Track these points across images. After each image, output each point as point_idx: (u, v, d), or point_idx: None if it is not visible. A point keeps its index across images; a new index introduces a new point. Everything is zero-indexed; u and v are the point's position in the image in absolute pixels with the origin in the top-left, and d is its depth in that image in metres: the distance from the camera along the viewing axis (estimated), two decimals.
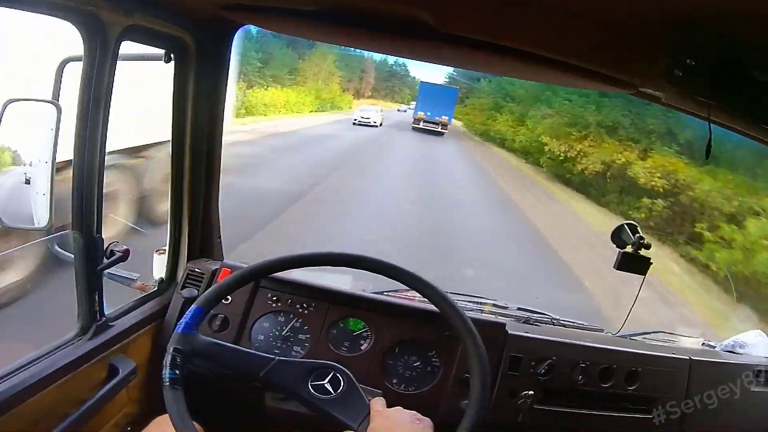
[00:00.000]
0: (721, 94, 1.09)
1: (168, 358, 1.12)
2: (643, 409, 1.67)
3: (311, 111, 24.69)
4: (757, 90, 1.09)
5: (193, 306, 1.22)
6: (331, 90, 28.66)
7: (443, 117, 20.67)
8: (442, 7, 1.07)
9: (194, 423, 1.09)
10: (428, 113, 20.54)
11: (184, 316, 1.20)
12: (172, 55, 1.42)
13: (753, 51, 1.06)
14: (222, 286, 1.28)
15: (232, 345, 1.37)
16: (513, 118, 20.18)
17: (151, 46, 1.39)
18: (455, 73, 24.92)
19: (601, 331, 1.92)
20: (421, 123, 20.36)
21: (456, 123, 26.47)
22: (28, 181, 1.28)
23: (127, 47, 1.23)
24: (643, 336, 1.94)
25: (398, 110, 24.30)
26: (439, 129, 20.50)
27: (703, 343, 2.02)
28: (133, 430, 1.46)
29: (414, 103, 23.92)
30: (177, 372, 1.11)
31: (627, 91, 1.28)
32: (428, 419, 1.16)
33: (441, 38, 1.14)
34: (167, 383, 1.09)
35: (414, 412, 1.17)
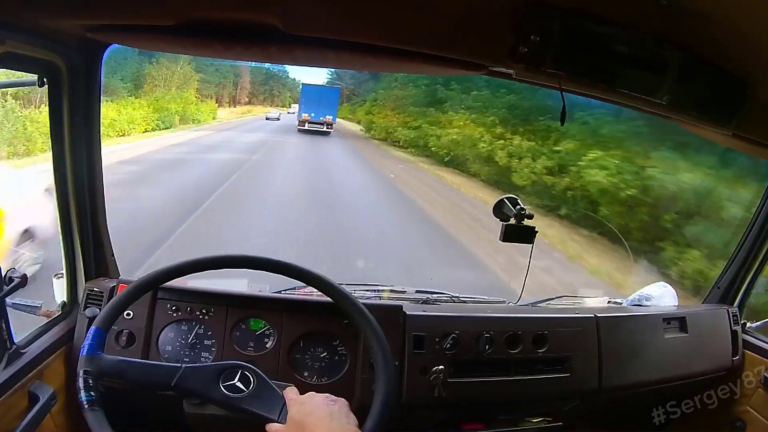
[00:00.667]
0: (569, 65, 1.20)
1: (80, 382, 1.17)
2: (557, 368, 1.78)
3: (145, 130, 18.61)
4: (606, 58, 1.20)
5: (92, 327, 1.26)
6: (183, 98, 22.64)
7: (328, 117, 20.71)
8: (288, 11, 1.13)
9: None
10: (312, 114, 20.51)
11: (86, 338, 1.24)
12: (45, 80, 1.43)
13: (596, 22, 1.17)
14: (116, 302, 1.33)
15: (139, 360, 1.44)
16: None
17: (23, 71, 1.42)
18: (334, 74, 25.33)
19: (503, 302, 2.03)
20: (306, 124, 20.31)
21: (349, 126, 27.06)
22: None
23: None
24: (547, 302, 2.06)
25: (288, 112, 23.74)
26: (325, 129, 20.61)
27: (609, 301, 2.15)
28: None
29: (296, 105, 24.13)
30: (92, 393, 1.16)
31: (479, 73, 1.35)
32: (342, 399, 1.22)
33: (292, 40, 1.20)
34: (86, 406, 1.14)
35: (327, 394, 1.23)
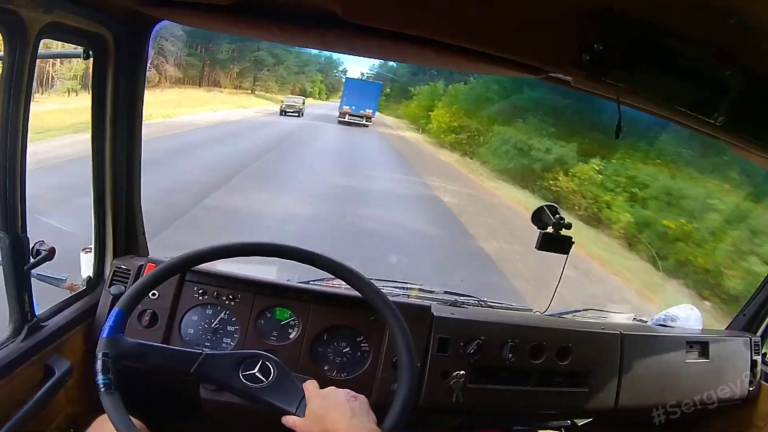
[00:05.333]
0: (629, 78, 1.19)
1: (99, 364, 1.17)
2: (577, 382, 1.77)
3: None
4: (667, 73, 1.19)
5: (115, 309, 1.26)
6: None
7: (368, 110, 21.94)
8: None
9: (137, 421, 1.16)
10: (353, 107, 21.83)
11: (107, 319, 1.24)
12: (90, 52, 1.44)
13: (662, 35, 1.15)
14: (140, 285, 1.32)
15: (159, 344, 1.43)
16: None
17: (70, 43, 1.42)
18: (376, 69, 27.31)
19: (530, 310, 2.02)
20: (347, 117, 21.52)
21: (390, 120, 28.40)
22: None
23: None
24: (573, 314, 2.05)
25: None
26: (364, 122, 21.80)
27: (635, 318, 2.14)
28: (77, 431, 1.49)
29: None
30: (109, 376, 1.16)
31: (536, 77, 1.35)
32: (363, 396, 1.24)
33: (352, 29, 1.20)
34: (102, 389, 1.14)
35: (347, 390, 1.24)
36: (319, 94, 36.67)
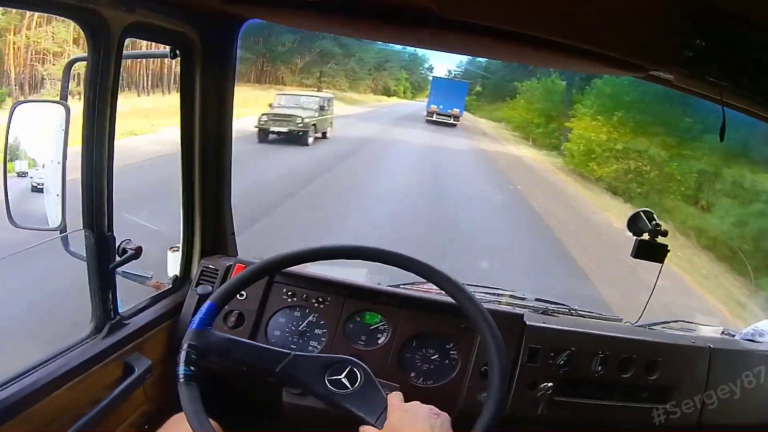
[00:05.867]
0: (733, 76, 1.12)
1: (182, 355, 1.16)
2: (662, 398, 1.69)
3: None
4: None
5: (207, 302, 1.25)
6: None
7: (455, 110, 21.61)
8: None
9: (211, 420, 1.13)
10: (441, 106, 21.50)
11: (198, 312, 1.23)
12: (177, 52, 1.46)
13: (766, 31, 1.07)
14: (236, 281, 1.31)
15: (248, 340, 1.42)
16: None
17: (155, 42, 1.44)
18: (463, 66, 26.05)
19: (620, 320, 1.94)
20: (434, 116, 21.33)
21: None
22: (37, 186, 1.34)
23: None
24: (662, 325, 1.96)
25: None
26: (451, 121, 21.44)
27: (723, 332, 2.02)
28: (150, 429, 1.49)
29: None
30: (192, 368, 1.14)
31: (637, 74, 1.28)
32: (446, 414, 1.19)
33: (445, 25, 1.15)
34: (182, 380, 1.13)
35: (431, 406, 1.19)
36: (404, 92, 33.31)
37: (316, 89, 25.94)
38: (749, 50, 1.10)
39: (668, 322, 1.99)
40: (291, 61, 26.74)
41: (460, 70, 25.81)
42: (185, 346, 1.17)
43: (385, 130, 19.02)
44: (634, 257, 1.61)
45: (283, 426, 1.59)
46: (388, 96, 31.88)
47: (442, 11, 1.09)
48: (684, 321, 2.03)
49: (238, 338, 1.31)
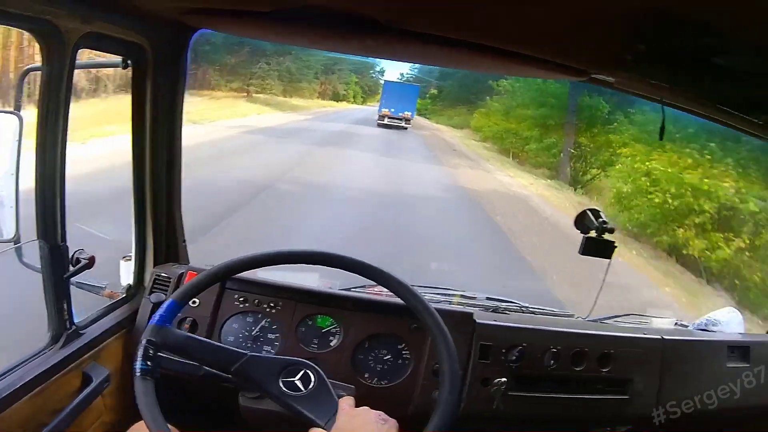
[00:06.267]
0: (674, 77, 1.20)
1: (140, 350, 1.17)
2: (618, 390, 1.75)
3: None
4: (712, 73, 1.18)
5: (169, 299, 1.27)
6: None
7: (406, 113, 21.94)
8: (390, 3, 1.13)
9: (170, 426, 1.14)
10: (392, 110, 21.80)
11: (159, 309, 1.25)
12: (129, 62, 1.47)
13: (707, 34, 1.14)
14: (197, 281, 1.34)
15: (205, 339, 1.43)
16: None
17: (108, 53, 1.45)
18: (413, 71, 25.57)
19: (571, 316, 2.00)
20: (386, 119, 21.59)
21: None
22: None
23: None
24: (614, 319, 2.02)
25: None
26: (403, 124, 21.77)
27: (676, 323, 2.10)
28: None
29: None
30: (149, 364, 1.16)
31: (579, 79, 1.35)
32: (394, 420, 1.22)
33: (392, 34, 1.20)
34: (138, 374, 1.14)
35: (380, 412, 1.23)
36: (354, 97, 32.20)
37: (246, 94, 24.27)
38: (689, 52, 1.15)
39: (620, 316, 2.05)
40: (219, 61, 22.51)
41: (412, 73, 25.74)
42: (144, 341, 1.18)
43: (305, 154, 13.60)
44: (582, 254, 1.66)
45: (241, 430, 1.61)
46: (338, 101, 30.71)
47: (387, 21, 1.15)
48: (636, 314, 2.10)
49: (196, 336, 1.35)
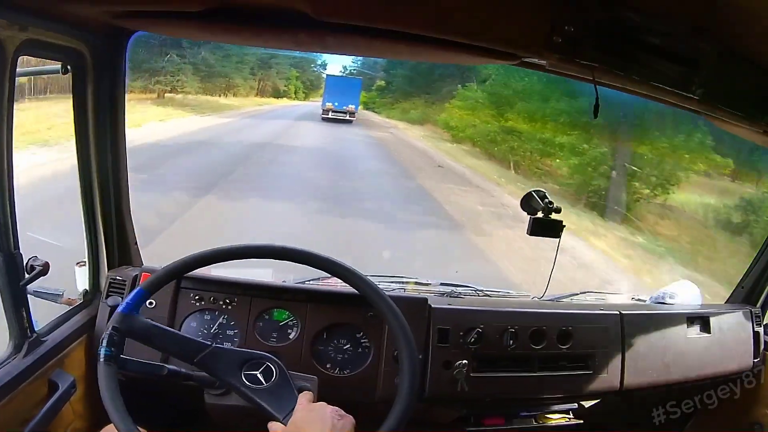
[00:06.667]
0: (604, 57, 1.20)
1: (105, 337, 1.19)
2: (580, 365, 1.78)
3: None
4: (641, 50, 1.20)
5: (139, 288, 1.29)
6: None
7: (350, 106, 21.88)
8: None
9: (139, 428, 1.15)
10: (336, 103, 21.72)
11: (128, 296, 1.27)
12: (69, 67, 1.45)
13: (633, 12, 1.16)
14: (168, 270, 1.37)
15: (170, 329, 1.45)
16: None
17: (47, 59, 1.43)
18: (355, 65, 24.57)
19: (527, 297, 2.03)
20: (330, 113, 21.52)
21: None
22: None
23: None
24: (571, 297, 2.06)
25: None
26: (347, 117, 21.70)
27: (633, 298, 2.15)
28: None
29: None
30: (112, 349, 1.18)
31: (510, 62, 1.35)
32: (350, 417, 1.24)
33: (323, 28, 1.21)
34: (102, 359, 1.17)
35: (337, 408, 1.25)
36: (295, 93, 29.69)
37: (156, 96, 19.63)
38: (618, 32, 1.17)
39: (576, 294, 2.09)
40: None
41: (355, 65, 24.83)
42: (109, 328, 1.21)
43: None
44: (530, 235, 1.67)
45: (210, 428, 1.62)
46: (278, 98, 28.24)
47: (317, 14, 1.14)
48: (592, 291, 2.14)
49: (161, 325, 1.35)
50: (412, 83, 24.11)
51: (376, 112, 26.64)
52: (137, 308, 1.27)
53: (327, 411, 1.23)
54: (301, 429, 1.19)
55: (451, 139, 17.97)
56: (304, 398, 1.27)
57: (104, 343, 1.18)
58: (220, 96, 24.19)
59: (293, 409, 1.24)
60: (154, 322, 1.31)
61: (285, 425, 1.22)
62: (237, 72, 25.02)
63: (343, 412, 1.24)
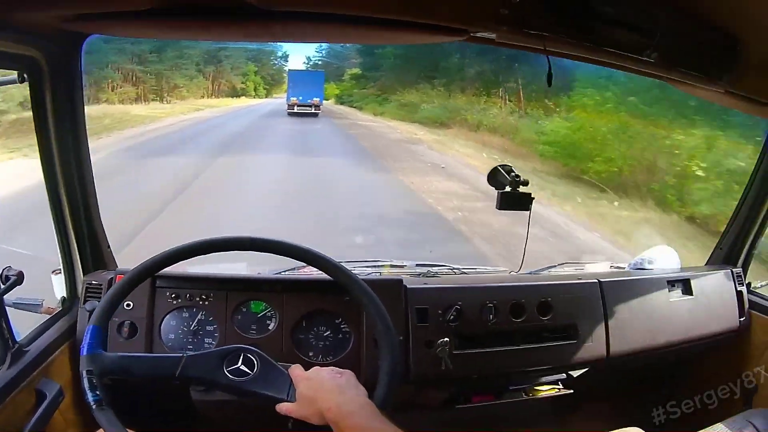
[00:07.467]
0: (552, 26, 1.19)
1: (85, 382, 1.18)
2: (564, 336, 1.79)
3: None
4: (591, 16, 1.19)
5: (90, 326, 1.27)
6: None
7: (315, 99, 21.33)
8: None
9: (131, 431, 1.17)
10: (300, 97, 21.17)
11: (84, 338, 1.25)
12: (25, 76, 1.44)
13: None
14: (110, 297, 1.34)
15: (140, 354, 1.46)
16: None
17: (3, 68, 1.42)
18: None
19: (505, 272, 2.04)
20: (296, 107, 21.04)
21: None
22: None
23: None
24: (549, 270, 2.06)
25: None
26: (313, 110, 21.13)
27: (612, 266, 2.15)
28: None
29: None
30: (98, 393, 1.17)
31: (459, 38, 1.33)
32: (348, 371, 1.27)
33: (269, 17, 1.20)
34: (94, 407, 1.16)
35: (332, 367, 1.27)
36: (255, 90, 26.28)
37: None
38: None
39: (554, 266, 2.10)
40: None
41: (320, 55, 23.72)
42: (84, 373, 1.19)
43: None
44: (499, 209, 1.68)
45: (202, 423, 1.64)
46: (237, 96, 25.26)
47: (262, 4, 1.13)
48: (570, 262, 2.15)
49: (129, 354, 1.35)
50: (411, 64, 19.31)
51: (355, 107, 23.81)
52: (100, 344, 1.25)
53: (325, 373, 1.25)
54: (313, 398, 1.20)
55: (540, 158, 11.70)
56: (297, 370, 1.28)
57: (87, 390, 1.17)
58: (147, 102, 20.30)
59: (291, 384, 1.26)
60: (121, 354, 1.31)
61: (293, 401, 1.23)
62: (176, 70, 22.24)
63: (339, 369, 1.26)
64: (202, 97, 23.51)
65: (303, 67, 23.89)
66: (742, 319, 2.07)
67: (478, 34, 1.32)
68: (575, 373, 1.93)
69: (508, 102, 14.35)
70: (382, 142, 14.84)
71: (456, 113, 15.53)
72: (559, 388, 1.96)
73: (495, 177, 1.69)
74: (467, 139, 14.13)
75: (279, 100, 23.62)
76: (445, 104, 16.30)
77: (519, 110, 14.08)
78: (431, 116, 16.47)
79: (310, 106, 20.94)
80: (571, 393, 1.97)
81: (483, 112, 14.71)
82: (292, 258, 1.45)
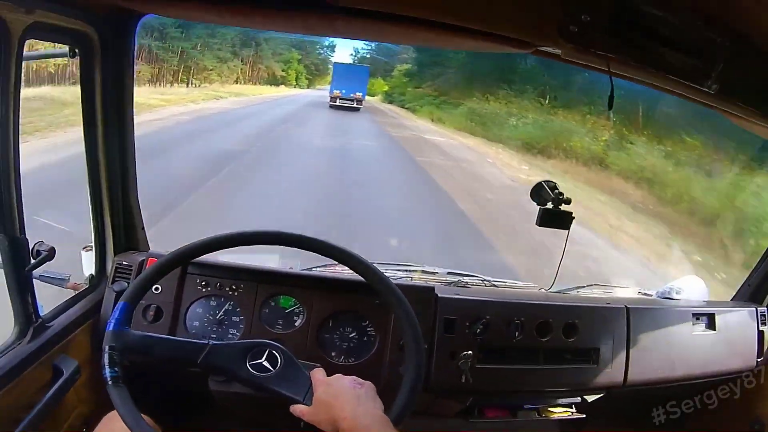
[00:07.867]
0: (619, 47, 1.18)
1: (105, 358, 1.18)
2: (585, 359, 1.78)
3: None
4: (655, 41, 1.18)
5: (120, 302, 1.27)
6: None
7: (358, 93, 21.68)
8: None
9: (145, 417, 1.16)
10: (343, 91, 21.48)
11: (113, 313, 1.25)
12: (77, 50, 1.44)
13: (647, 3, 1.14)
14: (144, 277, 1.33)
15: (165, 336, 1.44)
16: None
17: (55, 42, 1.43)
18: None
19: (534, 288, 2.02)
20: (338, 100, 21.36)
21: None
22: None
23: None
24: (578, 289, 2.04)
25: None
26: (355, 105, 21.51)
27: (640, 292, 2.12)
28: (89, 431, 1.50)
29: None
30: (116, 369, 1.17)
31: (525, 51, 1.33)
32: (369, 382, 1.25)
33: (333, 11, 1.20)
34: (110, 382, 1.15)
35: (353, 377, 1.25)
36: (296, 79, 25.55)
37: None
38: (633, 21, 1.16)
39: (583, 287, 2.08)
40: None
41: (367, 49, 23.84)
42: (106, 349, 1.19)
43: None
44: (539, 225, 1.65)
45: (219, 414, 1.62)
46: (276, 85, 24.43)
47: None
48: (599, 284, 2.12)
49: (155, 335, 1.33)
50: (488, 62, 14.79)
51: (407, 109, 22.59)
52: (127, 322, 1.25)
53: (346, 381, 1.23)
54: (329, 405, 1.18)
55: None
56: (318, 374, 1.27)
57: (106, 365, 1.17)
58: (164, 84, 18.43)
59: (310, 387, 1.24)
60: (147, 333, 1.30)
61: (309, 405, 1.22)
62: (207, 50, 20.62)
63: (360, 380, 1.24)
64: (236, 82, 22.77)
65: (350, 59, 24.36)
66: (759, 360, 2.04)
67: (544, 49, 1.32)
68: (590, 398, 1.91)
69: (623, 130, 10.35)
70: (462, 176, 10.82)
71: (562, 137, 11.43)
72: (572, 412, 1.94)
73: (538, 192, 1.66)
74: (579, 177, 10.11)
75: (321, 92, 23.29)
76: (543, 122, 11.92)
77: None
78: (524, 136, 11.87)
79: (353, 100, 21.28)
80: (583, 417, 1.95)
81: (597, 138, 10.87)
82: (328, 257, 1.44)
